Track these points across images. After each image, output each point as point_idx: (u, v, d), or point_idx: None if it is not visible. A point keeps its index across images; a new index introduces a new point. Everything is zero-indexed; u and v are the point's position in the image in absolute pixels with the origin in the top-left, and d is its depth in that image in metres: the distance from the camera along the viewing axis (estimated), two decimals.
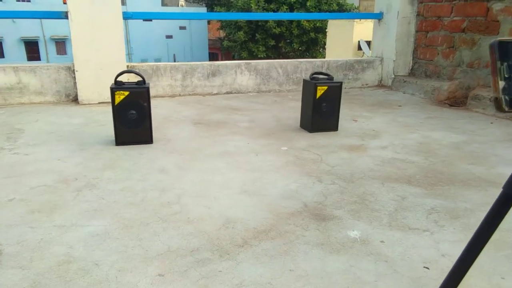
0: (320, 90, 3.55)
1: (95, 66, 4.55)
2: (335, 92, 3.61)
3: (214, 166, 2.81)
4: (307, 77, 3.71)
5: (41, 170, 2.68)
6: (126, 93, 3.10)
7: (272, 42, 22.29)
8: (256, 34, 22.63)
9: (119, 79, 3.15)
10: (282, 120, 4.07)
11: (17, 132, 3.51)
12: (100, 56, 4.53)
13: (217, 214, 2.13)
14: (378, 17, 5.93)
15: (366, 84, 5.95)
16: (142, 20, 32.20)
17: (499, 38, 0.67)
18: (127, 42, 29.42)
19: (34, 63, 4.89)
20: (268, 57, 21.41)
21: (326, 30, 22.43)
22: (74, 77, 4.63)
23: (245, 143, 3.31)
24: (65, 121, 3.90)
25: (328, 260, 1.74)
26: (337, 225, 2.04)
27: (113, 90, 3.08)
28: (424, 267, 1.71)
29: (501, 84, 0.68)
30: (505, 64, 0.68)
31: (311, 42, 22.62)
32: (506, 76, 0.67)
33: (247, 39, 23.21)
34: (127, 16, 4.77)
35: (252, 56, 22.18)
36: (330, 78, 3.67)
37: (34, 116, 4.07)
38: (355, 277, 1.63)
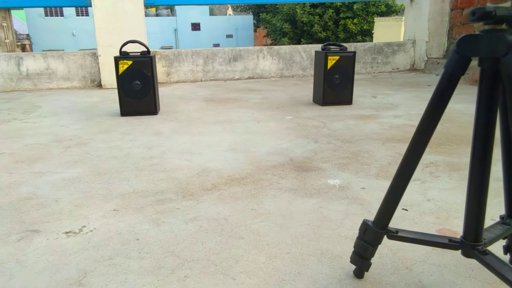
0: (331, 60, 3.38)
1: (117, 51, 4.64)
2: (348, 63, 3.43)
3: (209, 130, 2.74)
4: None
5: (41, 133, 2.74)
6: (130, 62, 3.12)
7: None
8: (301, 39, 22.56)
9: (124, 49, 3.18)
10: (296, 98, 3.93)
11: (35, 108, 3.64)
12: (122, 41, 4.61)
13: (195, 165, 2.05)
14: None
15: (397, 68, 5.65)
16: (190, 30, 33.35)
17: None
18: None
19: (62, 51, 5.09)
20: None
21: (373, 32, 21.84)
22: (98, 63, 4.77)
23: (249, 114, 3.21)
24: (83, 100, 4.01)
25: (296, 202, 1.60)
26: (318, 175, 1.88)
27: (116, 60, 3.11)
28: (403, 208, 1.51)
29: None
30: None
31: None
32: None
33: (292, 45, 23.20)
34: (148, 3, 4.85)
35: None
36: (343, 48, 3.49)
37: (56, 97, 4.22)
38: (321, 216, 1.47)
